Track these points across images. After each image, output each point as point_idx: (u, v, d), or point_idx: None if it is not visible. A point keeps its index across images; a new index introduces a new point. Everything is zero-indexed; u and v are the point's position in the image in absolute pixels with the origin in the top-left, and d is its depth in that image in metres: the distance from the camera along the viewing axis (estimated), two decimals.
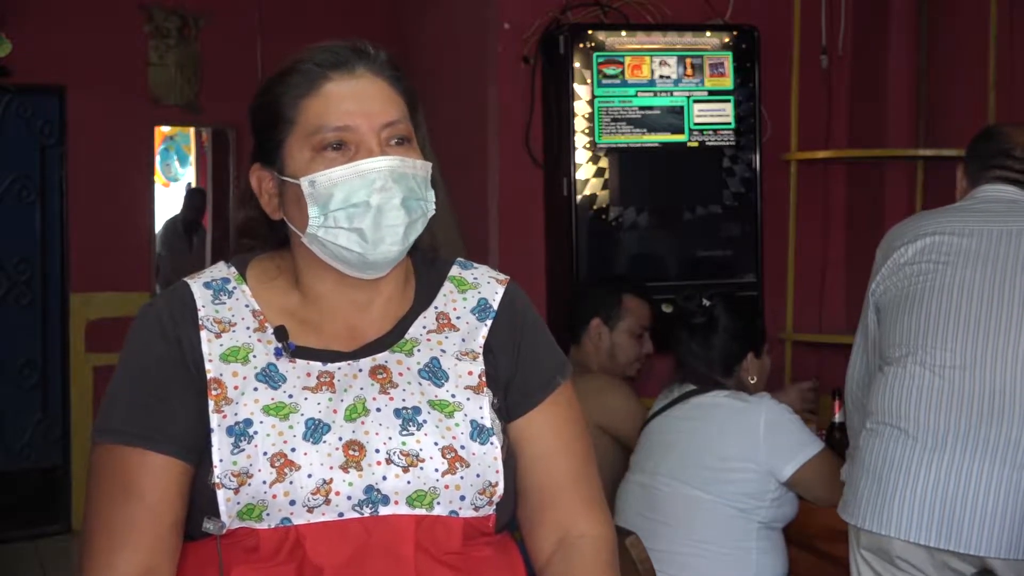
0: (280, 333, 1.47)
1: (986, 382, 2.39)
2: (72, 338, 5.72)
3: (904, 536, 2.41)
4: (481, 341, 1.53)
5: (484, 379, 1.50)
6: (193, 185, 8.99)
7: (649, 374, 3.63)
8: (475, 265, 1.62)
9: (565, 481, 1.54)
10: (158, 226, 6.76)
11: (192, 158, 9.50)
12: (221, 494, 1.39)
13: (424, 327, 1.52)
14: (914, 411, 2.45)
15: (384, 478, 1.40)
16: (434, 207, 1.50)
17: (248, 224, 1.56)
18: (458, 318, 1.54)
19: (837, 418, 3.53)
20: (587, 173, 3.95)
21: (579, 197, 3.94)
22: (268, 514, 1.38)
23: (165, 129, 8.75)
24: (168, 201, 8.48)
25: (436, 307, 1.55)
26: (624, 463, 3.14)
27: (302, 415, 1.41)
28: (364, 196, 1.43)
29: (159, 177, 8.26)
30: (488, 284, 1.58)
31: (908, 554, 2.43)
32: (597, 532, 1.54)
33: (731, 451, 2.76)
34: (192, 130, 9.02)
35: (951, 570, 2.42)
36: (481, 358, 1.51)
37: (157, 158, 7.75)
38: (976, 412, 2.38)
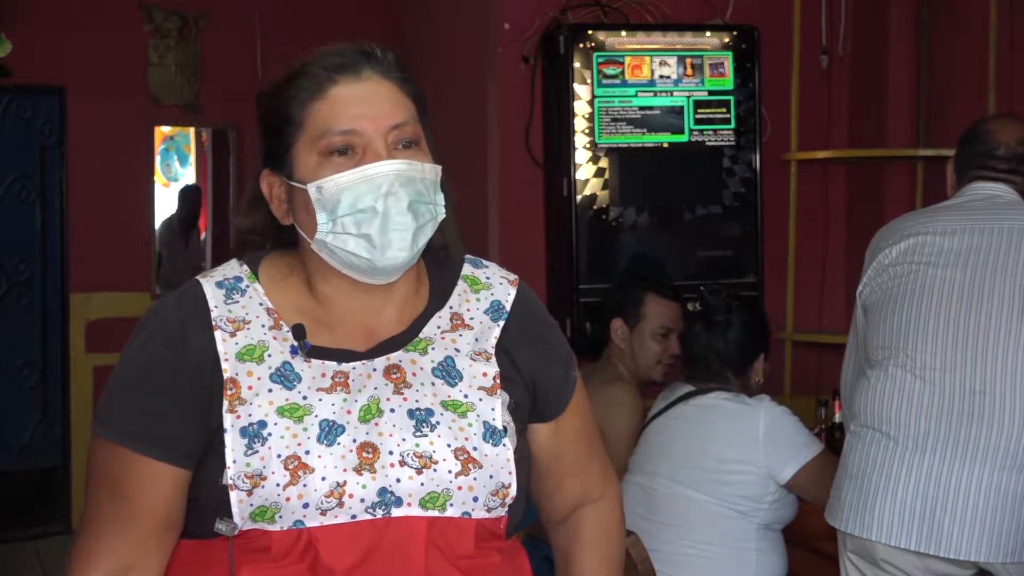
0: (298, 331, 1.45)
1: (966, 384, 2.38)
2: (72, 338, 5.72)
3: (886, 540, 2.41)
4: (493, 341, 1.53)
5: (498, 381, 1.50)
6: (188, 184, 8.96)
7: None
8: (485, 263, 1.62)
9: (583, 455, 1.65)
10: (157, 225, 6.75)
11: (192, 158, 9.48)
12: (234, 495, 1.38)
13: (439, 327, 1.52)
14: (895, 414, 2.44)
15: (398, 480, 1.40)
16: (444, 210, 1.49)
17: (255, 229, 1.56)
18: (471, 318, 1.54)
19: (837, 418, 3.53)
20: (587, 173, 3.94)
21: (579, 197, 3.94)
22: (281, 516, 1.38)
23: (165, 129, 8.72)
24: (168, 201, 8.47)
25: (451, 307, 1.54)
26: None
27: (316, 417, 1.41)
28: (371, 201, 1.42)
29: (159, 177, 8.24)
30: (500, 285, 1.58)
31: (892, 557, 2.43)
32: (610, 492, 1.69)
33: (730, 453, 2.76)
34: (192, 130, 9.00)
35: (936, 574, 2.41)
36: (494, 359, 1.51)
37: (157, 158, 7.74)
38: (957, 414, 2.37)
